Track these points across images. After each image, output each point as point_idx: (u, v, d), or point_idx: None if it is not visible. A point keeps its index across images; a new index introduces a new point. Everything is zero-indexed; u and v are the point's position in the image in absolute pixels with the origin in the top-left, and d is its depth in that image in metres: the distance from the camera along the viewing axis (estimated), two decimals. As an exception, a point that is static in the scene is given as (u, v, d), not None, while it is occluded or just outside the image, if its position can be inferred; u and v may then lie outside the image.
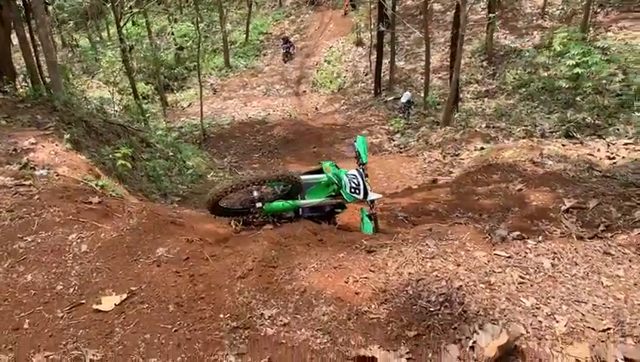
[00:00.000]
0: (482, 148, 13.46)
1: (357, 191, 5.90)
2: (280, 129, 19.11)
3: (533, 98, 19.54)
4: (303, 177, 5.78)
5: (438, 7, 28.51)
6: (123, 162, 10.02)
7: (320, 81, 26.30)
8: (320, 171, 6.26)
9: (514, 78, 21.57)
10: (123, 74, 21.80)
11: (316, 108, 23.56)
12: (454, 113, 16.74)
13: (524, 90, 20.47)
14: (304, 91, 25.96)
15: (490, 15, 20.95)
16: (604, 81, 17.63)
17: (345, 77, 25.98)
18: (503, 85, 21.49)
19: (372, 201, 5.99)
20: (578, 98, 17.86)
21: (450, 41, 18.92)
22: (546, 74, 20.89)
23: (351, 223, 6.41)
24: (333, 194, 5.93)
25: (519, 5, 25.95)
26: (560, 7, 24.60)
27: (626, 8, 22.95)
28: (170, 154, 14.77)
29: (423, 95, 21.14)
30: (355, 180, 5.86)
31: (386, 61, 23.42)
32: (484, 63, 23.54)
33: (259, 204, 5.37)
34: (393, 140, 16.75)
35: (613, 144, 12.49)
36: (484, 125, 15.91)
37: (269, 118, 21.47)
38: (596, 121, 15.69)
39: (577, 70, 16.38)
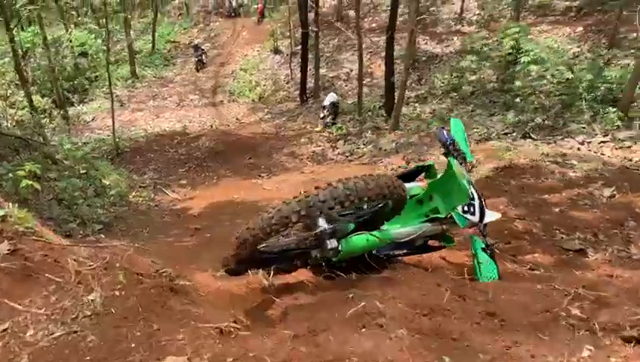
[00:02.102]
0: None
1: (471, 210, 3.71)
2: (206, 140, 16.42)
3: (467, 102, 18.32)
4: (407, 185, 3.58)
5: (353, 13, 26.94)
6: (29, 182, 7.22)
7: (238, 91, 23.79)
8: (412, 176, 4.04)
9: (442, 83, 20.31)
10: (14, 86, 18.38)
11: (237, 119, 21.04)
12: (400, 118, 14.94)
13: (455, 94, 19.23)
14: (221, 101, 23.32)
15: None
16: (543, 82, 16.68)
17: (265, 85, 23.64)
18: (433, 90, 20.12)
19: (485, 225, 3.81)
20: (517, 99, 16.77)
21: (386, 43, 17.15)
22: (473, 77, 19.84)
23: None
24: (431, 216, 3.70)
25: (437, 11, 24.92)
26: (477, 13, 23.81)
27: (542, 13, 22.51)
28: (83, 171, 11.81)
29: (353, 101, 19.39)
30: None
31: (309, 67, 21.41)
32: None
33: (332, 243, 3.06)
34: (337, 148, 14.65)
35: (589, 142, 11.18)
36: (434, 129, 14.19)
37: (190, 130, 18.72)
38: (546, 122, 14.53)
39: (532, 67, 15.17)
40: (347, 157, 13.77)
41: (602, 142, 10.98)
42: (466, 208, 3.68)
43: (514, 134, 13.69)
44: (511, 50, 17.25)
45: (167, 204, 11.85)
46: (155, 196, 12.20)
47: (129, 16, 24.03)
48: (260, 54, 26.10)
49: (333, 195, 3.02)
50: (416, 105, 19.31)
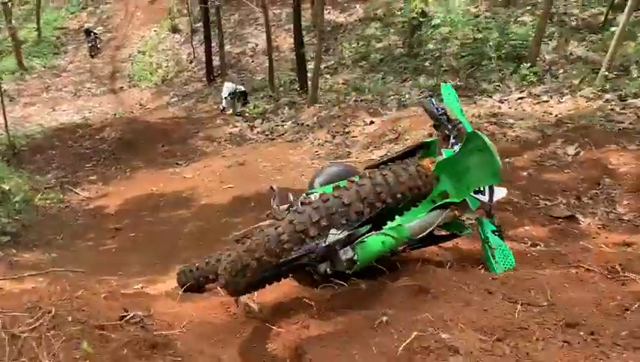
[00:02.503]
0: (372, 123, 11.41)
1: (481, 189, 3.26)
2: (111, 130, 15.15)
3: (377, 69, 18.13)
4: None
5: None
6: None
7: (138, 75, 22.27)
8: (408, 156, 3.50)
9: (350, 52, 19.98)
10: None
11: (141, 105, 19.72)
12: (318, 90, 14.46)
13: (364, 62, 18.99)
14: (121, 87, 21.77)
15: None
16: (449, 44, 16.76)
17: (167, 67, 22.30)
18: (342, 60, 19.74)
19: (492, 205, 3.37)
20: (427, 63, 16.79)
21: (294, 12, 16.55)
22: (380, 45, 19.71)
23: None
24: (439, 202, 3.19)
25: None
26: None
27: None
28: (-25, 176, 10.50)
29: (263, 77, 18.69)
30: None
31: (213, 44, 20.41)
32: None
33: (347, 253, 2.50)
34: (255, 127, 13.97)
35: (506, 100, 11.25)
36: (352, 100, 13.87)
37: (92, 121, 17.28)
38: (459, 83, 14.60)
39: (439, 30, 15.14)
40: (268, 136, 13.16)
41: (520, 98, 11.06)
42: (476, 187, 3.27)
43: (429, 98, 13.62)
44: (415, 15, 17.14)
45: (78, 204, 10.78)
46: (63, 197, 11.07)
47: (8, 3, 21.72)
48: (157, 35, 24.57)
49: (361, 195, 2.44)
50: (328, 76, 18.87)
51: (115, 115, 18.13)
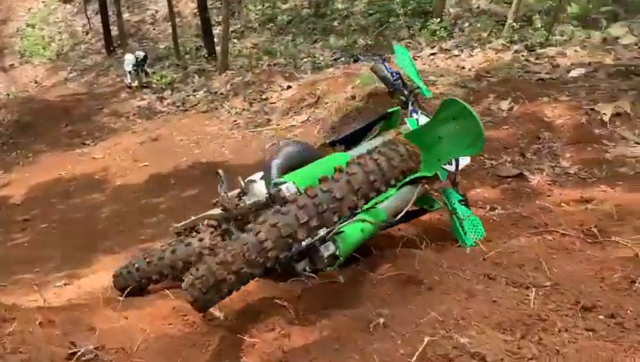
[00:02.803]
0: (289, 87, 11.07)
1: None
2: (6, 112, 13.88)
3: (286, 31, 17.69)
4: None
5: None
6: None
7: (30, 50, 20.50)
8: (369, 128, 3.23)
9: (257, 15, 19.36)
10: None
11: (37, 82, 18.26)
12: (228, 56, 13.87)
13: (272, 25, 18.47)
14: (12, 65, 19.99)
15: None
16: (356, 2, 16.60)
17: (61, 40, 20.69)
18: (249, 23, 19.10)
19: (457, 174, 3.18)
20: (335, 23, 16.55)
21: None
22: (286, 6, 19.24)
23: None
24: (411, 177, 2.94)
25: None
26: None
27: None
28: None
29: (166, 45, 17.78)
30: None
31: (109, 13, 19.11)
32: (218, 4, 20.78)
33: (328, 248, 2.21)
34: (165, 99, 13.24)
35: (419, 57, 11.25)
36: (265, 65, 13.44)
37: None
38: (369, 42, 14.51)
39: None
40: (179, 107, 12.50)
41: (432, 54, 11.09)
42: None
43: (342, 59, 13.44)
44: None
45: (-23, 196, 9.81)
46: (-42, 190, 10.03)
47: None
48: (47, 6, 22.66)
49: (354, 186, 2.15)
50: (235, 41, 18.20)
51: (8, 95, 16.67)
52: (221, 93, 11.95)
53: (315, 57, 13.81)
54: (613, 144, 4.73)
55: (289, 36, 17.19)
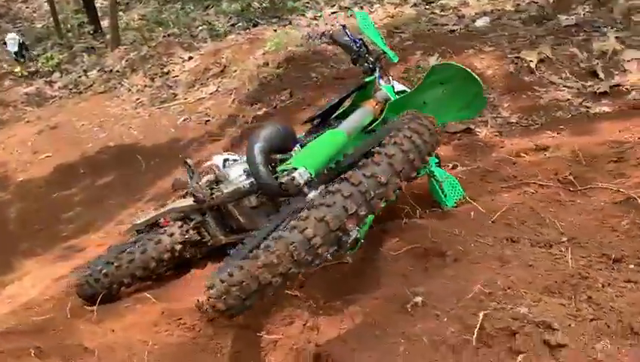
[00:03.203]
0: (191, 58, 10.62)
1: None
2: None
3: (173, 1, 16.91)
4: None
5: None
6: None
7: None
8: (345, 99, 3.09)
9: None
10: None
11: None
12: (118, 30, 13.04)
13: (156, -6, 17.57)
14: None
15: None
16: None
17: None
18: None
19: None
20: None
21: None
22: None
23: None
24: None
25: None
26: None
27: None
28: None
29: (44, 24, 16.41)
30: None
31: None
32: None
33: (353, 233, 2.03)
34: (54, 82, 12.27)
35: (320, 17, 11.16)
36: (161, 37, 12.78)
37: None
38: (265, 4, 14.17)
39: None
40: (72, 90, 11.63)
41: (333, 13, 11.04)
42: None
43: (240, 25, 13.06)
44: None
45: None
46: None
47: None
48: None
49: (396, 169, 1.99)
50: (121, 13, 17.10)
51: None
52: (117, 71, 11.25)
53: (211, 24, 13.32)
54: (544, 89, 4.93)
55: (178, 4, 16.43)
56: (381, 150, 2.07)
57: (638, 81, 4.50)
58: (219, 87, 9.36)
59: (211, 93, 9.30)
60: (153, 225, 3.51)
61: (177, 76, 10.17)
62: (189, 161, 3.35)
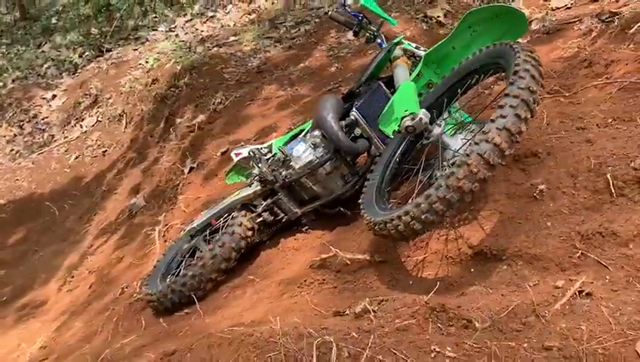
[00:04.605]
0: (55, 96, 10.02)
1: None
2: None
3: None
4: None
5: None
6: None
7: None
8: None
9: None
10: None
11: None
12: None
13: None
14: None
15: None
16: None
17: None
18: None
19: None
20: (54, 20, 15.13)
21: None
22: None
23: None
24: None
25: None
26: None
27: None
28: None
29: None
30: None
31: None
32: None
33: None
34: None
35: (174, 27, 11.10)
36: (9, 83, 11.84)
37: None
38: (103, 29, 13.62)
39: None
40: None
41: (187, 21, 11.04)
42: None
43: (87, 53, 12.48)
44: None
45: None
46: None
47: None
48: None
49: (531, 89, 2.30)
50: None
51: None
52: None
53: (55, 60, 12.59)
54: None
55: (3, 48, 15.20)
56: (519, 68, 2.33)
57: (530, 14, 5.18)
58: (99, 117, 9.00)
59: (93, 125, 8.92)
60: (206, 227, 3.64)
61: (47, 117, 9.58)
62: (246, 150, 3.46)
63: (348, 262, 2.57)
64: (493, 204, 2.45)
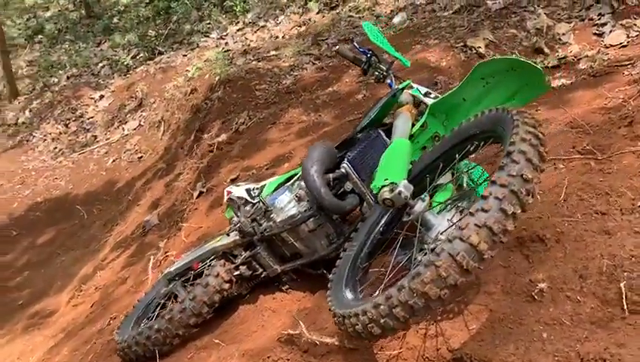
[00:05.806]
0: (102, 97, 10.20)
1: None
2: None
3: (61, 40, 16.00)
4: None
5: None
6: None
7: None
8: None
9: (19, 29, 17.31)
10: None
11: None
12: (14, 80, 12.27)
13: (41, 36, 16.59)
14: None
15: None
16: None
17: None
18: (13, 40, 16.99)
19: None
20: (115, 20, 15.51)
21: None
22: (49, 13, 17.63)
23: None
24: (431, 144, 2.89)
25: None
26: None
27: None
28: None
29: None
30: None
31: None
32: None
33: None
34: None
35: (226, 35, 11.12)
36: (64, 80, 12.20)
37: None
38: (160, 32, 13.85)
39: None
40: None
41: (239, 29, 11.03)
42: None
43: (142, 55, 12.69)
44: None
45: None
46: None
47: None
48: None
49: (525, 177, 1.90)
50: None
51: None
52: (23, 122, 10.58)
53: (110, 59, 12.87)
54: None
55: (66, 44, 15.69)
56: (513, 148, 1.99)
57: (580, 50, 4.82)
58: (141, 121, 9.08)
59: (135, 129, 9.00)
60: (186, 271, 3.37)
61: (92, 117, 9.75)
62: (233, 194, 3.24)
63: (317, 343, 2.31)
64: (485, 298, 2.09)
